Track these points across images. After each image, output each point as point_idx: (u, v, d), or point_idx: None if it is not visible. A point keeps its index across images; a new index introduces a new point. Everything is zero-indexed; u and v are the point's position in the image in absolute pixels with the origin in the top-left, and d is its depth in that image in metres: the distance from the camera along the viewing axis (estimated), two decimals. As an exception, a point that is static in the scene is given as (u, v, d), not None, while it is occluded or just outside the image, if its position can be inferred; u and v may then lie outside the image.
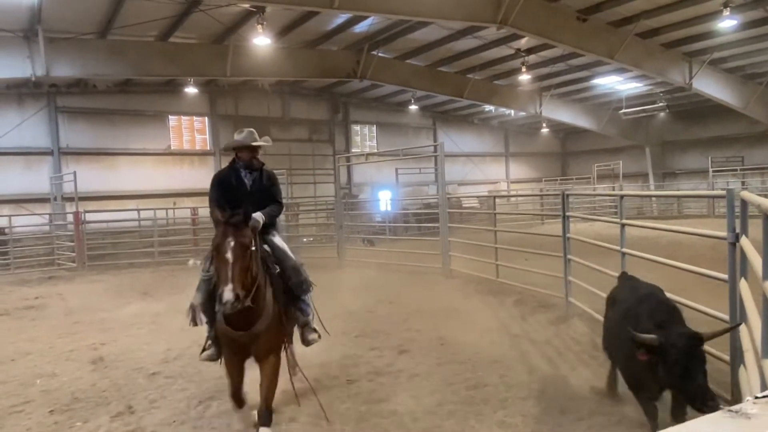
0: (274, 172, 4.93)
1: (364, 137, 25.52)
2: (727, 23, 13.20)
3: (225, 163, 20.49)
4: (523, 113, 24.34)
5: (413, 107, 24.56)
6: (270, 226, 4.50)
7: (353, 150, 24.32)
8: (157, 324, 7.40)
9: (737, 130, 24.05)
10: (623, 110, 23.45)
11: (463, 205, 20.89)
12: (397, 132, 25.74)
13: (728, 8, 12.27)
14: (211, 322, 4.14)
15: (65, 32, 13.99)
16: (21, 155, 18.23)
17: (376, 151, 24.60)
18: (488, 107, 24.13)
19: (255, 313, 3.80)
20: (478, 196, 22.80)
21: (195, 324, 4.38)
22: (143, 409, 4.42)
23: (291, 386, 4.23)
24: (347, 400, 4.40)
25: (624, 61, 15.71)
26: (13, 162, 18.14)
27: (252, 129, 4.64)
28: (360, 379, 4.88)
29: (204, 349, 4.36)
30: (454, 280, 9.37)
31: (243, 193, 4.41)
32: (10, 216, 15.45)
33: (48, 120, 18.60)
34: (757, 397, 0.36)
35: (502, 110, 24.42)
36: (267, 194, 4.53)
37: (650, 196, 23.20)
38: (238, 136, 4.56)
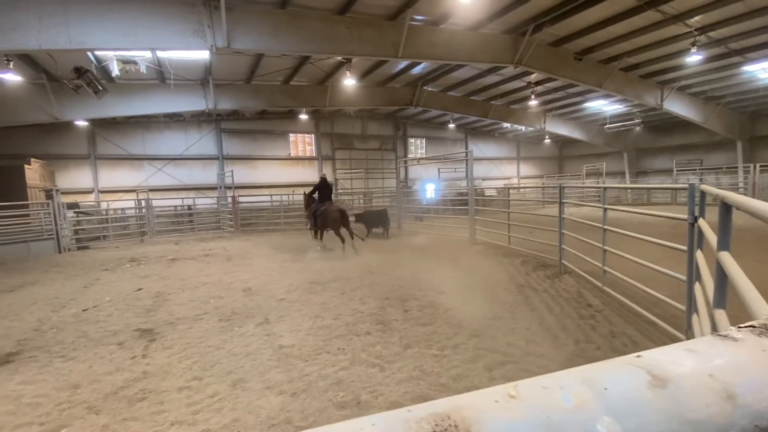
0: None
1: (417, 147, 25.03)
2: (693, 58, 11.80)
3: (325, 165, 21.19)
4: (531, 128, 23.00)
5: (451, 125, 23.84)
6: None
7: (409, 155, 24.04)
8: (283, 267, 7.73)
9: (698, 139, 21.66)
10: (607, 125, 21.73)
11: (486, 194, 20.20)
12: (439, 143, 25.10)
13: (695, 46, 10.99)
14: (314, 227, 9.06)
15: (225, 80, 14.59)
16: (200, 160, 19.43)
17: (424, 156, 24.23)
18: (506, 124, 23.01)
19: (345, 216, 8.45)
20: (496, 188, 21.91)
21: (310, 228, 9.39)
22: (275, 321, 4.66)
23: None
24: (404, 323, 4.45)
25: (609, 89, 14.41)
26: (195, 164, 19.41)
27: (324, 173, 9.47)
28: (412, 309, 4.91)
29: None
30: (478, 246, 9.16)
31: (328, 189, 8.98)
32: (194, 198, 16.69)
33: (215, 137, 19.66)
34: (740, 327, 0.33)
35: (516, 126, 23.18)
36: (331, 189, 8.90)
37: (626, 188, 21.61)
38: (323, 173, 9.42)
